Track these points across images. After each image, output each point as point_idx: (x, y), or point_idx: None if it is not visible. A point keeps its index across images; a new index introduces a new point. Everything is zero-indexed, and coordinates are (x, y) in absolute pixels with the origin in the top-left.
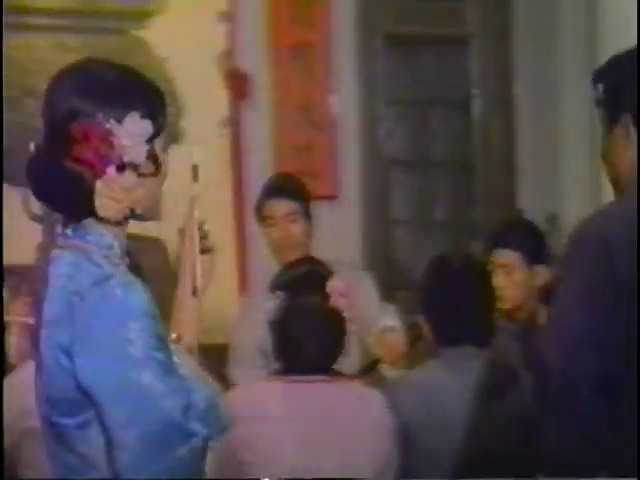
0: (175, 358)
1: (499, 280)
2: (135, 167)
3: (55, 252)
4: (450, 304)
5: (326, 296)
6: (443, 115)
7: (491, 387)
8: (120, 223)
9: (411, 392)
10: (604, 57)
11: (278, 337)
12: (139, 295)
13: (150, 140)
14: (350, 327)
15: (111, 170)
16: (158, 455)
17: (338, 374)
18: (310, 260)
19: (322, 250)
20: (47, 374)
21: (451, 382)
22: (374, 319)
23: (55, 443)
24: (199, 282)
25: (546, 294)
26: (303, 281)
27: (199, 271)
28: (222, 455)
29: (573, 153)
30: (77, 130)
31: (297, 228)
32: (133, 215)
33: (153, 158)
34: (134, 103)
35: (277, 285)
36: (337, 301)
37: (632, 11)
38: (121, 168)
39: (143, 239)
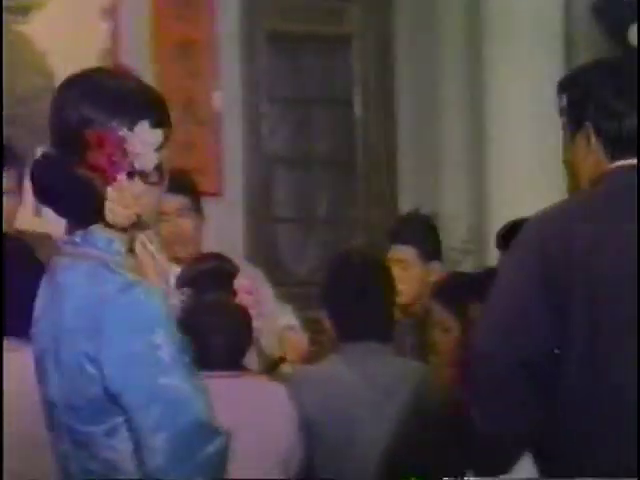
0: None
1: (396, 275)
2: (144, 175)
3: (63, 260)
4: (353, 300)
5: (233, 293)
6: (325, 113)
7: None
8: (124, 229)
9: (314, 387)
10: (486, 56)
11: (185, 333)
12: (161, 300)
13: (159, 149)
14: (257, 324)
15: (122, 177)
16: (188, 455)
17: (244, 370)
18: (216, 257)
19: (206, 247)
20: (69, 382)
21: (353, 376)
22: (272, 316)
23: (75, 449)
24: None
25: (438, 290)
26: (210, 278)
27: (170, 267)
28: None
29: (453, 153)
30: (91, 136)
31: (188, 223)
32: (138, 222)
33: (159, 167)
34: (145, 112)
35: (183, 281)
36: (243, 298)
37: (515, 12)
38: (131, 175)
39: (35, 235)
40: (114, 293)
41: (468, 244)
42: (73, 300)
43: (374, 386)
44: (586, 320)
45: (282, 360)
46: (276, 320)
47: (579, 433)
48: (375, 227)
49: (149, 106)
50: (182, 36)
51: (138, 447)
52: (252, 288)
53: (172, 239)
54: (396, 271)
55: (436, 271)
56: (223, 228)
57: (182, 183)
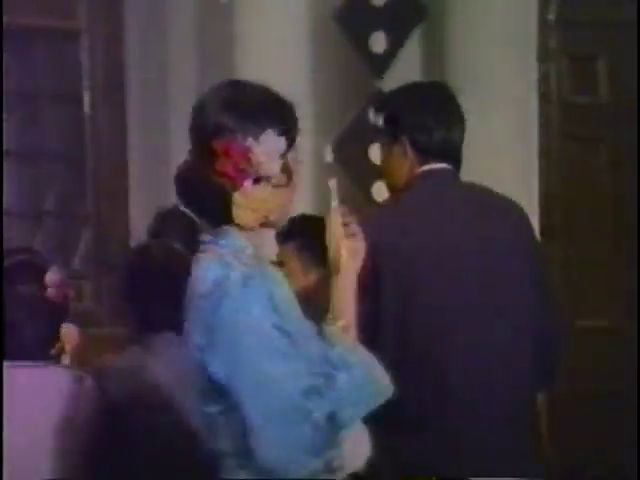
0: (314, 339)
1: None
2: (269, 179)
3: (198, 257)
4: (152, 292)
5: (43, 286)
6: (55, 108)
7: None
8: (254, 229)
9: (118, 375)
10: (217, 49)
11: None
12: (256, 291)
13: (284, 155)
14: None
15: (248, 183)
16: (284, 432)
17: (51, 360)
18: (27, 250)
19: None
20: (193, 368)
21: (156, 366)
22: None
23: (207, 429)
24: (344, 263)
25: None
26: (20, 270)
27: (344, 254)
28: None
29: (183, 145)
30: (220, 146)
31: None
32: (267, 222)
33: (286, 170)
34: (271, 121)
35: None
36: (53, 292)
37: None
38: (257, 181)
39: None
40: (211, 286)
41: None
42: (193, 292)
43: (176, 375)
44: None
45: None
46: None
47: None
48: (104, 222)
49: (275, 116)
50: None
51: (244, 426)
52: (63, 282)
53: None
54: None
55: None
56: None
57: None
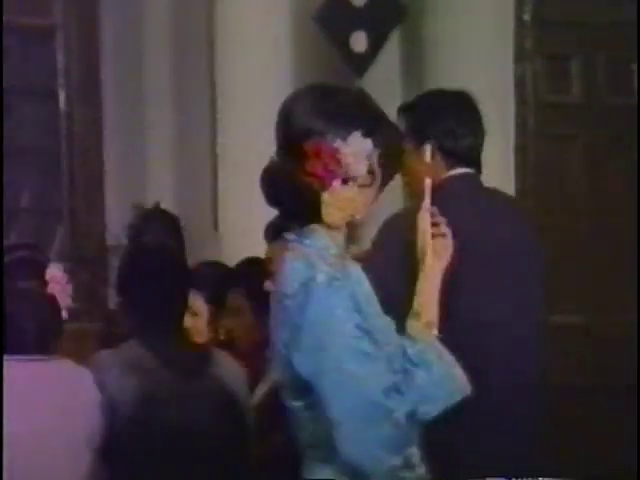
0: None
1: None
2: (356, 180)
3: (283, 256)
4: (149, 286)
5: (44, 282)
6: (29, 103)
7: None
8: (340, 227)
9: (115, 369)
10: (194, 48)
11: None
12: (339, 292)
13: (370, 155)
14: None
15: (337, 183)
16: (364, 429)
17: (53, 354)
18: (28, 246)
19: None
20: (280, 365)
21: (152, 360)
22: None
23: (293, 422)
24: (429, 263)
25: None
26: (21, 266)
27: (429, 253)
28: None
29: (158, 142)
30: (310, 147)
31: None
32: (352, 221)
33: (371, 171)
34: (358, 123)
35: None
36: (53, 287)
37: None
38: (345, 181)
39: None
40: (297, 287)
41: None
42: (280, 292)
43: (172, 368)
44: None
45: None
46: None
47: None
48: (80, 217)
49: (361, 117)
50: None
51: (326, 423)
52: (63, 279)
53: None
54: None
55: None
56: None
57: None
